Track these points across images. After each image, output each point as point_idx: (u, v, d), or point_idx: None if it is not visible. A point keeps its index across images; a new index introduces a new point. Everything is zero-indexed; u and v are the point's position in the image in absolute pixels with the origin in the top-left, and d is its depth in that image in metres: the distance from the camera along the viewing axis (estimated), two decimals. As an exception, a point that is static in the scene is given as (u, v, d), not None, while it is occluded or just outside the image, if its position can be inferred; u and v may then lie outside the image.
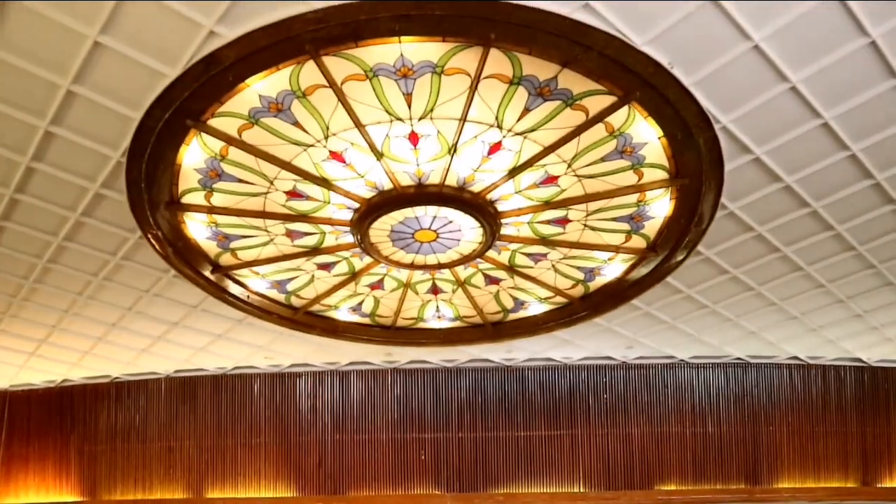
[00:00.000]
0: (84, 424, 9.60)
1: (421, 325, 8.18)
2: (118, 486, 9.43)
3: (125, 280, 6.92)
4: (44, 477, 9.62)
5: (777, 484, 9.07)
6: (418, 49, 4.35)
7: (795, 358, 8.98)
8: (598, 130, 5.00)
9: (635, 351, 8.78)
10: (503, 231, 6.15)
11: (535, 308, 7.72)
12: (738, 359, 9.00)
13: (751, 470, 9.11)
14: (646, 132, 5.03)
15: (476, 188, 5.63)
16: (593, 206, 5.86)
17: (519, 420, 9.32)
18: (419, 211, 5.82)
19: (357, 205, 5.79)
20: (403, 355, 9.09)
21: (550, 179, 5.54)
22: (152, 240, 6.12)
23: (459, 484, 9.33)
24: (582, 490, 9.11)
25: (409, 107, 4.76)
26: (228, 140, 5.02)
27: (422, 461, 9.41)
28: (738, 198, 5.67)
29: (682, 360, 9.04)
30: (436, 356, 9.17)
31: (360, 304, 7.65)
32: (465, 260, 6.61)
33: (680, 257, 6.45)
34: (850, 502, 8.93)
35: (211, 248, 6.42)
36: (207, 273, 6.75)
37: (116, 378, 9.47)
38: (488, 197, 5.72)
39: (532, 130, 5.00)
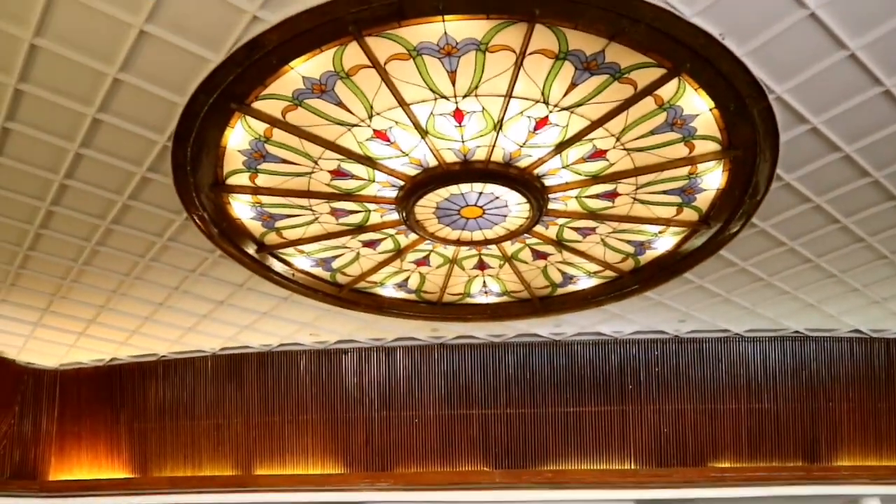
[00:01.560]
0: (133, 402, 10.00)
1: (468, 300, 8.33)
2: (168, 463, 9.84)
3: (171, 260, 7.19)
4: (96, 454, 10.07)
5: (836, 462, 9.08)
6: (462, 27, 4.43)
7: (857, 331, 8.94)
8: (647, 103, 5.05)
9: (688, 325, 8.82)
10: (550, 206, 6.24)
11: (583, 282, 7.81)
12: (796, 332, 8.98)
13: (809, 447, 9.13)
14: (697, 104, 5.06)
15: (522, 164, 5.72)
16: (643, 179, 5.92)
17: (568, 396, 9.45)
18: (465, 188, 5.94)
19: (402, 182, 5.92)
20: (450, 331, 9.26)
21: (598, 154, 5.60)
22: (198, 221, 6.35)
23: (507, 460, 9.53)
24: (633, 467, 9.25)
25: (454, 84, 4.86)
26: (272, 122, 5.18)
27: (469, 436, 9.61)
28: (794, 168, 5.68)
29: (736, 334, 9.06)
30: (483, 331, 9.32)
31: (406, 280, 7.81)
32: (511, 235, 6.72)
33: (734, 230, 6.47)
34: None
35: (256, 227, 6.62)
36: (252, 252, 6.97)
37: (163, 356, 9.82)
38: (535, 172, 5.81)
39: (579, 105, 5.07)
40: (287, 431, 9.65)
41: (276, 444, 9.64)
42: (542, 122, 5.26)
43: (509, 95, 4.96)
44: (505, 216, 6.39)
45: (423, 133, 5.33)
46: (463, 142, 5.46)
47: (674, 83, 4.87)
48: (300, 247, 6.99)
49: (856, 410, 9.15)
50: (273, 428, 9.67)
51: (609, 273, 7.54)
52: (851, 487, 8.90)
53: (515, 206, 6.20)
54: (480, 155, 5.61)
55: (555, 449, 9.44)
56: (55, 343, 9.36)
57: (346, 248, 7.06)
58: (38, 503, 9.96)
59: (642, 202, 6.24)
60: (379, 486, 9.38)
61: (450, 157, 5.64)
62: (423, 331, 9.25)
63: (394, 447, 9.61)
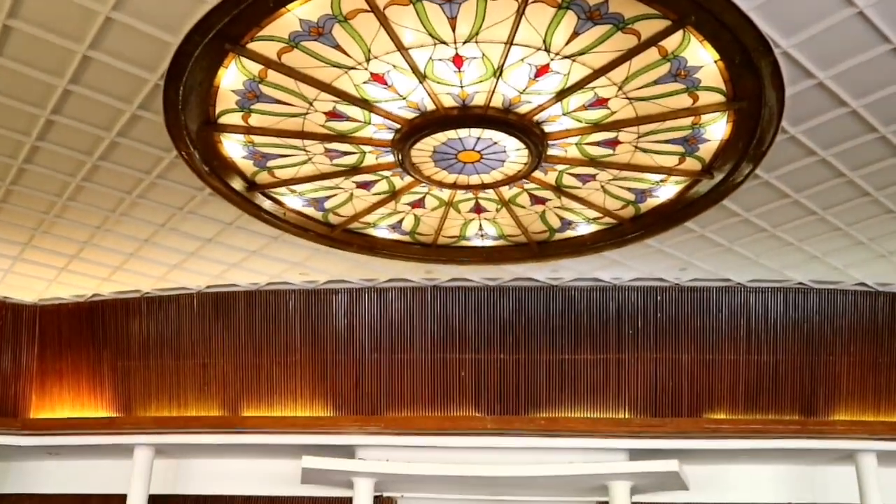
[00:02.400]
0: (116, 339, 10.39)
1: (463, 243, 8.65)
2: (153, 403, 10.28)
3: (159, 198, 7.48)
4: (78, 392, 10.51)
5: (833, 416, 9.54)
6: (464, -27, 4.65)
7: (862, 284, 9.29)
8: (650, 54, 5.30)
9: (689, 273, 9.17)
10: (550, 152, 6.52)
11: (582, 228, 8.13)
12: (800, 283, 9.34)
13: (806, 401, 9.58)
14: (701, 55, 5.31)
15: (522, 110, 5.99)
16: (645, 128, 6.19)
17: (563, 342, 9.84)
18: (463, 132, 6.21)
19: (398, 126, 6.19)
20: (444, 273, 9.58)
21: (600, 102, 5.86)
22: (188, 159, 6.62)
23: (500, 406, 9.97)
24: (627, 416, 9.71)
25: (454, 30, 5.10)
26: (267, 63, 5.42)
27: (462, 381, 10.03)
28: (800, 122, 5.95)
29: (739, 284, 9.42)
30: (478, 274, 9.64)
31: (400, 222, 8.13)
32: (509, 180, 7.02)
33: (737, 180, 6.77)
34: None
35: (247, 166, 6.90)
36: (243, 191, 7.25)
37: (147, 293, 10.16)
38: (535, 119, 6.08)
39: (581, 53, 5.31)
40: (275, 372, 10.06)
41: (263, 386, 10.07)
42: (542, 70, 5.51)
43: (510, 42, 5.20)
44: (503, 161, 6.67)
45: (422, 77, 5.58)
46: (462, 87, 5.71)
47: (678, 35, 5.11)
48: (292, 186, 7.28)
49: (856, 365, 9.57)
50: (261, 369, 10.08)
51: (609, 220, 7.86)
52: (848, 442, 9.34)
53: (514, 151, 6.48)
54: (479, 100, 5.87)
55: (548, 396, 9.87)
56: (35, 277, 9.71)
57: (340, 188, 7.35)
58: (20, 441, 10.39)
59: (644, 150, 6.52)
60: (368, 429, 9.82)
61: (448, 102, 5.90)
62: (416, 272, 9.58)
63: (384, 391, 10.04)
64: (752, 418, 9.55)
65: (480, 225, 8.19)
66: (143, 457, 10.12)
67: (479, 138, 6.28)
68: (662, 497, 10.12)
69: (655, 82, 5.60)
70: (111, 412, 10.38)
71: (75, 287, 10.04)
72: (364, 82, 5.66)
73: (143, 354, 10.32)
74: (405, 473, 9.77)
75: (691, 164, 6.67)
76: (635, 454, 9.51)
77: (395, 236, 8.46)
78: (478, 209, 7.82)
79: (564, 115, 6.05)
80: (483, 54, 5.33)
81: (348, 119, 6.13)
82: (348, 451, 9.93)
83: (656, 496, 10.09)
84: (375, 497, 10.01)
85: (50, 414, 10.55)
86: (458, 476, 9.64)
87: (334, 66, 5.47)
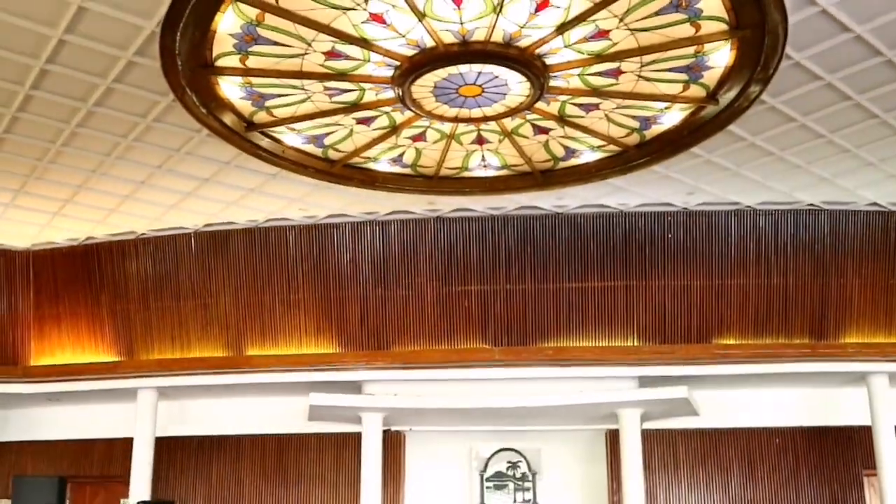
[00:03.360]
0: (114, 282, 10.85)
1: (465, 174, 9.02)
2: (155, 345, 10.81)
3: (155, 140, 7.85)
4: (78, 337, 11.03)
5: (844, 339, 10.07)
6: (461, -85, 4.93)
7: (875, 204, 9.68)
8: (652, -15, 5.59)
9: (697, 197, 9.56)
10: (552, 84, 6.85)
11: (587, 156, 8.49)
12: (811, 205, 9.73)
13: (816, 324, 10.10)
14: (703, -15, 5.61)
15: (523, 44, 6.30)
16: (647, 58, 6.51)
17: (570, 271, 10.30)
18: (463, 68, 6.53)
19: (398, 63, 6.50)
20: (447, 204, 9.97)
21: (601, 34, 6.17)
22: (185, 102, 6.95)
23: (507, 337, 10.49)
24: (635, 344, 10.23)
25: (453, -31, 5.39)
26: (263, 7, 5.72)
27: (468, 313, 10.52)
28: (804, 48, 6.28)
29: (748, 207, 9.81)
30: (481, 204, 10.03)
31: (401, 155, 8.48)
32: (511, 112, 7.36)
33: (742, 106, 7.11)
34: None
35: (245, 107, 7.24)
36: (241, 130, 7.60)
37: (142, 234, 10.57)
38: (536, 52, 6.39)
39: (581, -13, 5.61)
40: (278, 310, 10.56)
41: (267, 324, 10.57)
42: (543, 4, 5.80)
43: (510, -21, 5.49)
44: (505, 94, 7.00)
45: (421, 16, 5.88)
46: (462, 23, 6.01)
47: (679, -35, 5.40)
48: (291, 125, 7.62)
49: (867, 286, 10.04)
50: (263, 307, 10.57)
51: (613, 147, 8.21)
52: (859, 364, 9.89)
53: (516, 84, 6.81)
54: (479, 36, 6.18)
55: (556, 326, 10.39)
56: (28, 223, 10.11)
57: (339, 125, 7.69)
58: (21, 388, 10.94)
59: (647, 79, 6.85)
60: (375, 365, 10.37)
61: (448, 38, 6.20)
62: (418, 204, 9.97)
63: (390, 325, 10.55)
64: (762, 342, 10.08)
65: (483, 156, 8.54)
66: (147, 400, 10.70)
67: (479, 73, 6.61)
68: (673, 423, 10.74)
69: (657, 13, 5.90)
70: (113, 356, 10.92)
71: (69, 231, 10.43)
72: (363, 22, 5.96)
73: (143, 296, 10.79)
74: (413, 407, 10.34)
75: (696, 91, 7.00)
76: (645, 381, 10.08)
77: (397, 169, 8.82)
78: (480, 141, 8.16)
79: (566, 47, 6.36)
80: (483, -9, 5.62)
81: (347, 58, 6.45)
82: (355, 387, 10.49)
83: (666, 422, 10.72)
84: (384, 431, 10.61)
85: (50, 360, 11.09)
86: (467, 408, 10.22)
87: (332, 8, 5.77)
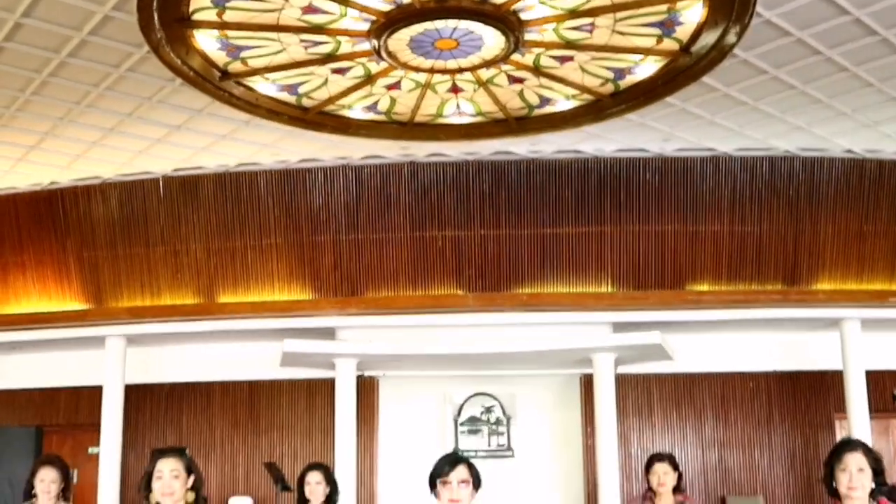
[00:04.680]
0: (80, 229, 11.31)
1: (440, 121, 9.57)
2: (124, 293, 11.34)
3: (127, 89, 8.33)
4: (45, 284, 11.52)
5: (816, 286, 10.85)
6: None
7: (850, 152, 10.36)
8: (624, -52, 6.13)
9: (673, 143, 10.18)
10: (527, 37, 7.41)
11: (562, 105, 9.07)
12: (787, 152, 10.38)
13: (789, 270, 10.85)
14: (675, -52, 6.15)
15: (498, 0, 6.83)
16: (621, 13, 7.07)
17: (544, 216, 10.93)
18: (439, 24, 7.06)
19: (374, 18, 7.02)
20: (421, 149, 10.51)
21: (576, -9, 6.73)
22: (159, 54, 7.43)
23: (482, 283, 11.14)
24: (609, 290, 10.95)
25: (430, -67, 5.89)
26: (243, -34, 6.21)
27: (442, 259, 11.14)
28: (774, 6, 6.85)
29: (724, 153, 10.44)
30: (455, 149, 10.59)
31: (376, 103, 9.02)
32: (487, 64, 7.92)
33: (715, 59, 7.70)
34: (893, 307, 10.67)
35: (220, 57, 7.72)
36: (215, 80, 8.10)
37: (108, 179, 11.01)
38: (511, 8, 6.93)
39: (556, -50, 6.14)
40: (250, 256, 11.12)
41: (239, 270, 11.14)
42: (518, -36, 6.34)
43: (486, -58, 6.01)
44: (480, 47, 7.55)
45: (398, -26, 6.40)
46: (438, -19, 6.54)
47: (651, -70, 5.94)
48: (266, 74, 8.13)
49: (840, 233, 10.78)
50: (235, 253, 11.13)
51: (588, 97, 8.80)
52: (831, 310, 10.67)
53: (491, 38, 7.36)
54: (455, -8, 6.71)
55: (530, 271, 11.05)
56: (-14, 168, 10.54)
57: (314, 74, 8.20)
58: (-15, 336, 11.47)
59: (621, 33, 7.41)
60: (349, 311, 11.01)
61: (425, -5, 6.73)
62: (392, 150, 10.50)
63: (363, 271, 11.16)
64: (735, 289, 10.83)
65: (458, 104, 9.09)
66: (116, 347, 11.21)
67: (455, 28, 7.14)
68: (646, 368, 11.53)
69: (630, -28, 6.46)
70: (82, 304, 11.44)
71: (31, 176, 10.84)
72: (340, -20, 6.47)
73: (111, 243, 11.28)
74: (387, 353, 11.01)
75: (669, 44, 7.58)
76: (618, 327, 10.81)
77: (371, 116, 9.36)
78: (455, 90, 8.71)
79: (540, 3, 6.91)
80: (459, -48, 6.14)
81: (324, 12, 6.95)
82: (328, 333, 11.11)
83: (640, 367, 11.50)
84: (357, 377, 11.29)
85: (17, 309, 11.58)
86: (441, 354, 10.91)
87: (311, -33, 6.27)
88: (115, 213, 11.22)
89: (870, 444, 10.03)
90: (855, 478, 3.67)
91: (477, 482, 3.69)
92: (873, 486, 3.71)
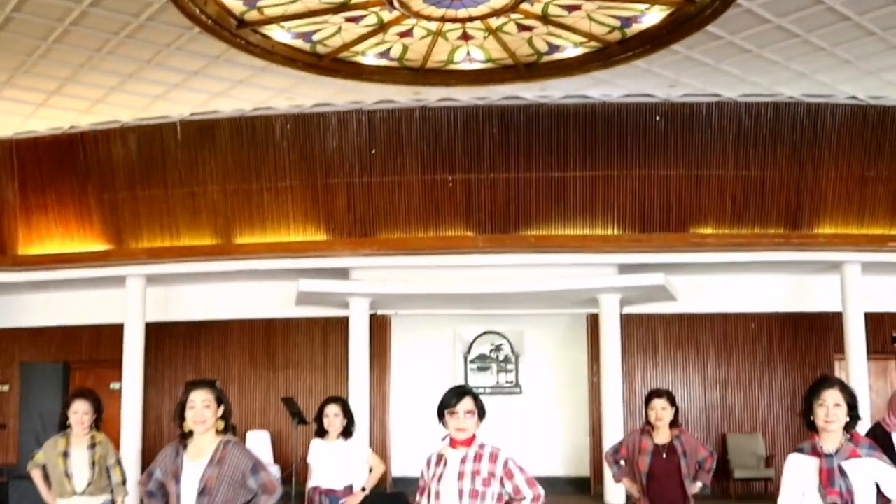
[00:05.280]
0: (100, 171, 11.63)
1: (451, 67, 9.81)
2: (144, 234, 11.69)
3: (147, 37, 8.58)
4: (67, 227, 11.87)
5: (817, 229, 11.11)
6: None
7: (854, 98, 10.54)
8: None
9: (679, 89, 10.38)
10: (536, -13, 7.63)
11: (570, 52, 9.30)
12: (791, 98, 10.57)
13: (791, 214, 11.11)
14: None
15: (508, -48, 7.05)
16: (629, -35, 7.28)
17: (553, 160, 11.19)
18: (451, -26, 7.29)
19: (387, -31, 7.26)
20: (432, 94, 10.74)
21: (584, -56, 6.93)
22: (178, 2, 7.67)
23: (491, 225, 11.45)
24: (615, 232, 11.24)
25: None
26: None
27: (453, 201, 11.42)
28: (776, -42, 7.04)
29: (729, 99, 10.65)
30: (466, 94, 10.81)
31: (388, 50, 9.26)
32: (496, 13, 8.15)
33: (719, 8, 7.90)
34: (892, 252, 10.90)
35: (237, 6, 7.96)
36: (231, 28, 8.35)
37: (126, 123, 11.28)
38: (521, -41, 7.15)
39: None
40: (266, 198, 11.44)
41: (255, 212, 11.47)
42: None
43: None
44: (491, -3, 7.78)
45: (410, -72, 6.61)
46: (449, -66, 6.75)
47: None
48: (281, 23, 8.37)
49: (843, 179, 11.01)
50: (251, 195, 11.44)
51: (595, 44, 9.02)
52: (831, 254, 10.92)
53: (502, -13, 7.58)
54: (467, -55, 6.92)
55: (539, 214, 11.34)
56: (12, 113, 10.80)
57: (328, 22, 8.44)
58: (10, 277, 11.81)
59: (629, -17, 7.63)
60: (362, 252, 11.32)
61: (436, -52, 6.94)
62: (404, 94, 10.74)
63: (376, 213, 11.47)
64: (738, 232, 11.11)
65: (468, 51, 9.33)
66: (137, 287, 11.57)
67: (467, -22, 7.37)
68: (651, 308, 11.85)
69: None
70: (103, 245, 11.79)
71: (52, 120, 11.13)
72: (354, -67, 6.68)
73: (130, 185, 11.61)
74: (400, 293, 11.35)
75: (675, -7, 7.80)
76: (624, 268, 11.11)
77: (384, 63, 9.60)
78: (465, 37, 8.95)
79: (550, -46, 7.12)
80: None
81: (338, -36, 7.19)
82: (342, 273, 11.44)
83: (645, 307, 11.82)
84: (370, 315, 11.66)
85: (40, 250, 11.94)
86: (451, 293, 11.24)
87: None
88: (134, 156, 11.52)
89: (867, 384, 10.44)
90: (831, 412, 3.98)
91: (482, 413, 3.99)
92: (848, 419, 4.03)
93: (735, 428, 11.90)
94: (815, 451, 4.00)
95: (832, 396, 3.99)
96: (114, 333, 11.87)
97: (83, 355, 12.50)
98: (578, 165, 11.17)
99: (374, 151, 11.26)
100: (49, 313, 12.69)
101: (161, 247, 11.63)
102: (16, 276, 11.83)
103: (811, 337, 11.92)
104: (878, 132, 10.85)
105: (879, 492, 3.99)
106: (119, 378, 11.66)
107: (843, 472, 3.89)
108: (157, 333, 12.06)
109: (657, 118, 10.93)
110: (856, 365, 10.81)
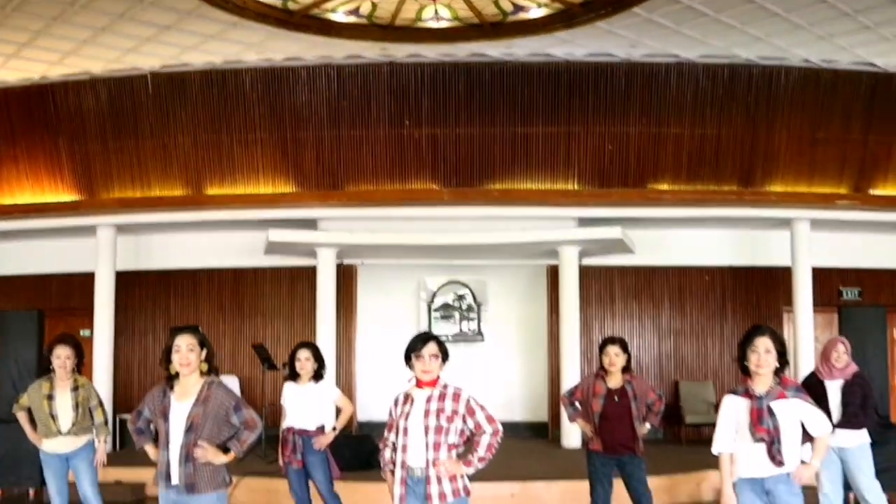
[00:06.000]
0: (70, 123, 11.76)
1: (419, 24, 10.06)
2: (115, 185, 11.88)
3: (121, -9, 8.73)
4: (37, 177, 12.00)
5: (769, 187, 11.55)
6: None
7: (807, 61, 10.89)
8: None
9: (639, 49, 10.69)
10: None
11: (534, 12, 9.59)
12: (748, 60, 10.89)
13: (745, 173, 11.53)
14: None
15: (475, -83, 7.31)
16: (591, -69, 7.57)
17: (516, 116, 11.49)
18: (419, -64, 7.54)
19: (357, -70, 7.49)
20: (400, 50, 10.97)
21: (548, -89, 7.20)
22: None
23: (455, 178, 11.77)
24: (575, 187, 11.61)
25: None
26: None
27: (419, 155, 11.71)
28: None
29: (688, 60, 10.97)
30: (433, 51, 11.05)
31: (358, 8, 9.50)
32: (464, -26, 8.40)
33: (678, -27, 8.24)
34: (840, 210, 11.44)
35: (210, -37, 8.17)
36: (204, -15, 8.55)
37: (97, 75, 11.41)
38: (487, -76, 7.41)
39: None
40: (236, 150, 11.67)
41: (225, 164, 11.70)
42: None
43: None
44: (457, -42, 8.03)
45: None
46: None
47: None
48: (253, -20, 8.60)
49: (794, 139, 11.44)
50: (222, 147, 11.66)
51: (559, 5, 9.32)
52: (782, 211, 11.41)
53: (468, -50, 7.84)
54: (435, -90, 7.16)
55: (502, 168, 11.69)
56: (-21, 63, 10.92)
57: (300, -21, 8.67)
58: (-21, 227, 12.01)
59: (590, -51, 7.92)
60: (330, 203, 11.62)
61: (405, -88, 7.18)
62: (372, 50, 10.97)
63: (344, 165, 11.75)
64: (694, 188, 11.52)
65: (436, 10, 9.59)
66: (107, 236, 11.78)
67: (434, -59, 7.62)
68: (609, 260, 12.31)
69: None
70: (74, 195, 11.97)
71: (22, 71, 11.21)
72: None
73: (101, 137, 11.76)
74: (366, 243, 11.69)
75: (635, -43, 8.10)
76: (583, 221, 11.52)
77: (353, 20, 9.84)
78: (433, -4, 9.21)
79: (515, -80, 7.39)
80: None
81: (310, -75, 7.41)
82: (310, 224, 11.75)
83: (604, 259, 12.27)
84: (337, 265, 11.99)
85: (10, 200, 12.08)
86: (417, 244, 11.59)
87: None
88: (105, 107, 11.65)
89: (813, 335, 10.96)
90: (762, 357, 4.41)
91: (445, 356, 4.37)
92: (777, 365, 4.46)
93: (687, 375, 12.45)
94: (748, 393, 4.45)
95: (763, 343, 4.43)
96: (85, 282, 12.11)
97: (54, 303, 12.61)
98: (541, 122, 11.49)
99: (343, 103, 11.47)
100: (20, 262, 12.89)
101: (132, 197, 11.83)
102: (-14, 224, 12.05)
103: (761, 290, 12.45)
104: (830, 95, 11.25)
105: (805, 430, 4.44)
106: (90, 326, 11.89)
107: (771, 412, 4.35)
108: (128, 282, 12.32)
109: (615, 80, 11.22)
110: (803, 317, 11.37)
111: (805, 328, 11.32)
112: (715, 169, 11.54)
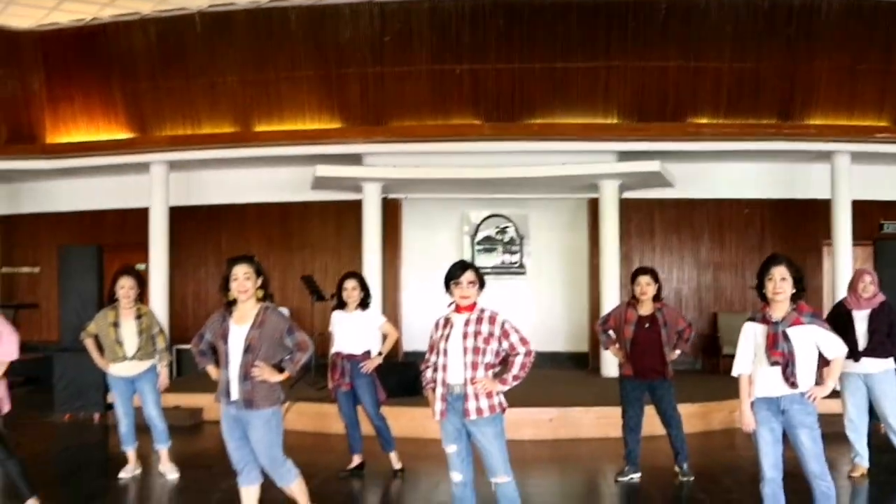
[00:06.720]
0: (121, 63, 12.17)
1: (460, -38, 10.27)
2: (166, 123, 12.31)
3: (169, -66, 9.02)
4: (91, 116, 12.48)
5: (808, 120, 11.60)
6: None
7: (849, -10, 10.97)
8: None
9: (679, -18, 10.82)
10: None
11: (575, -53, 9.75)
12: (788, -11, 11.01)
13: (784, 106, 11.60)
14: None
15: None
16: None
17: (556, 51, 11.65)
18: None
19: None
20: (441, -13, 11.20)
21: None
22: None
23: (497, 113, 11.99)
24: (615, 121, 11.79)
25: None
26: None
27: (460, 90, 11.95)
28: None
29: (727, -10, 11.09)
30: (474, -13, 11.27)
31: (400, -54, 9.73)
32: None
33: None
34: (880, 142, 11.48)
35: None
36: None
37: (146, 15, 11.77)
38: None
39: None
40: (283, 88, 12.00)
41: (272, 101, 12.04)
42: None
43: None
44: None
45: None
46: None
47: None
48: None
49: (834, 71, 11.45)
50: (268, 85, 12.00)
51: (599, -59, 9.47)
52: (821, 144, 11.47)
53: None
54: None
55: (542, 103, 11.88)
56: (35, 7, 11.27)
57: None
58: (40, 164, 12.52)
59: None
60: (375, 139, 11.93)
61: None
62: (414, -14, 11.20)
63: (388, 101, 12.03)
64: (733, 122, 11.65)
65: (477, -54, 9.79)
66: (160, 173, 12.24)
67: None
68: (649, 193, 12.52)
69: None
70: (127, 133, 12.44)
71: (75, 13, 11.61)
72: None
73: (152, 76, 12.17)
74: (410, 178, 12.01)
75: None
76: (623, 155, 11.71)
77: (395, -43, 10.07)
78: (474, -66, 9.39)
79: None
80: None
81: None
82: (356, 159, 12.09)
83: (643, 192, 12.49)
84: (382, 199, 12.35)
85: (66, 138, 12.59)
86: (459, 179, 11.89)
87: None
88: (155, 47, 12.03)
89: (852, 268, 11.12)
90: (778, 285, 4.67)
91: (482, 283, 4.70)
92: (794, 291, 4.74)
93: (726, 307, 12.69)
94: (765, 319, 4.74)
95: (779, 272, 4.70)
96: (138, 217, 12.61)
97: (109, 238, 13.06)
98: (580, 56, 11.64)
99: (386, 40, 11.72)
100: (76, 199, 13.50)
101: (182, 135, 12.26)
102: (44, 163, 12.59)
103: (800, 223, 12.59)
104: (869, 26, 11.24)
105: (821, 354, 4.73)
106: (144, 259, 12.39)
107: (786, 337, 4.63)
108: (180, 217, 12.78)
109: (654, 14, 11.30)
110: (842, 250, 11.48)
111: (844, 261, 11.40)
112: (754, 102, 11.63)
